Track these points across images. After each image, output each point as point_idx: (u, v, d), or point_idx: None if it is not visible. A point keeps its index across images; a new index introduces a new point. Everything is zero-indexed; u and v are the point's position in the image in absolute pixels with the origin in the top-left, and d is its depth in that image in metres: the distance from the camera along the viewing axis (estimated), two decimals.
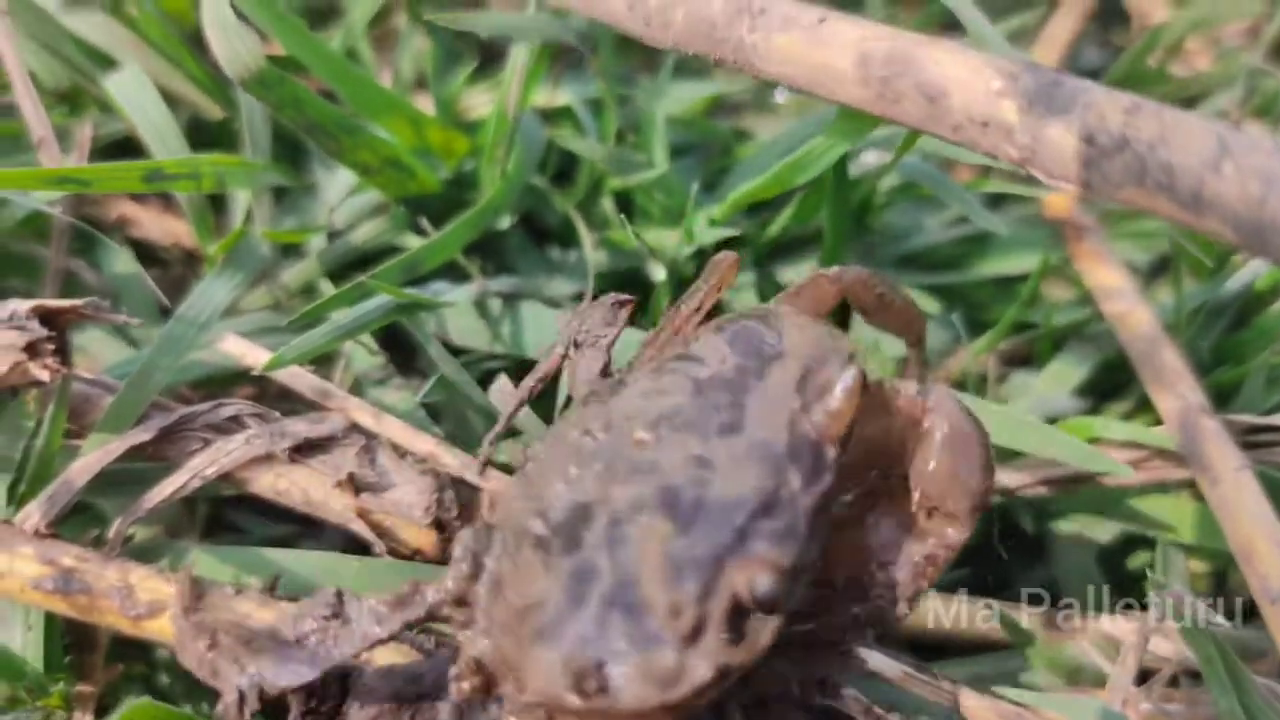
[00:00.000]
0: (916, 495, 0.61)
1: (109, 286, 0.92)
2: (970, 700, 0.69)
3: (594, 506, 0.53)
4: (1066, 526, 0.86)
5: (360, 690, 0.64)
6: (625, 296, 0.73)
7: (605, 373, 0.69)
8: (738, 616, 0.50)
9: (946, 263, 1.00)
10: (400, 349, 0.87)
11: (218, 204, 0.94)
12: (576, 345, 0.71)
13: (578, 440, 0.58)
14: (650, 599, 0.49)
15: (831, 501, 0.57)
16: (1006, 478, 0.83)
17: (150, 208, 1.00)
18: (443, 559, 0.74)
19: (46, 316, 0.66)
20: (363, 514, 0.72)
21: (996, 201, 1.06)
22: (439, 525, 0.73)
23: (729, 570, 0.50)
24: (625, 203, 0.96)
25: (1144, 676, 0.80)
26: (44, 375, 0.65)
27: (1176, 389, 0.80)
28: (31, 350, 0.65)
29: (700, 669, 0.48)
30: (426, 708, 0.64)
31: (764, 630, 0.51)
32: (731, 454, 0.54)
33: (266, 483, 0.72)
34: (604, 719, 0.49)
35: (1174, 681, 0.78)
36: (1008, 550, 0.90)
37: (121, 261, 0.93)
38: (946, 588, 0.84)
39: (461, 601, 0.54)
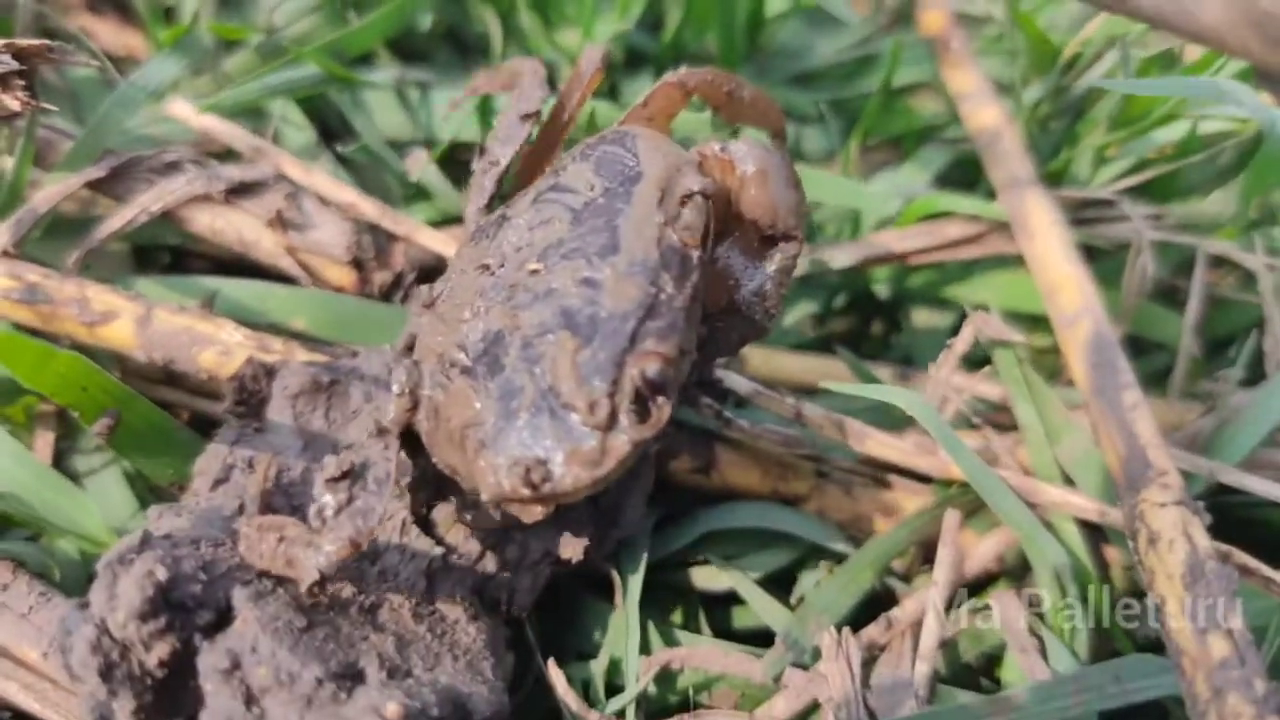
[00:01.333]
0: (753, 225, 0.73)
1: (70, 87, 1.01)
2: (808, 409, 0.82)
3: (505, 333, 0.62)
4: (919, 298, 0.98)
5: (285, 375, 0.75)
6: (536, 100, 0.79)
7: (490, 205, 0.78)
8: (641, 401, 0.60)
9: (837, 81, 1.11)
10: (328, 140, 0.97)
11: (169, 14, 1.04)
12: (481, 151, 0.79)
13: (477, 277, 0.66)
14: (570, 401, 0.58)
15: (700, 291, 0.68)
16: (861, 252, 0.94)
17: (107, 20, 1.09)
18: (362, 294, 0.85)
19: (17, 55, 0.74)
20: (291, 251, 0.82)
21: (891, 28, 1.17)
22: (358, 264, 0.84)
23: (628, 367, 0.60)
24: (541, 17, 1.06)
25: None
26: (15, 105, 0.74)
27: (1010, 167, 0.92)
28: (3, 83, 0.74)
29: (619, 448, 0.58)
30: (340, 389, 0.75)
31: (664, 407, 0.60)
32: (614, 272, 0.63)
33: (204, 222, 0.83)
34: (551, 502, 0.60)
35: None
36: (870, 328, 1.02)
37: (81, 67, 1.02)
38: (817, 348, 0.97)
39: (407, 429, 0.64)
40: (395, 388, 0.63)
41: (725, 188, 0.72)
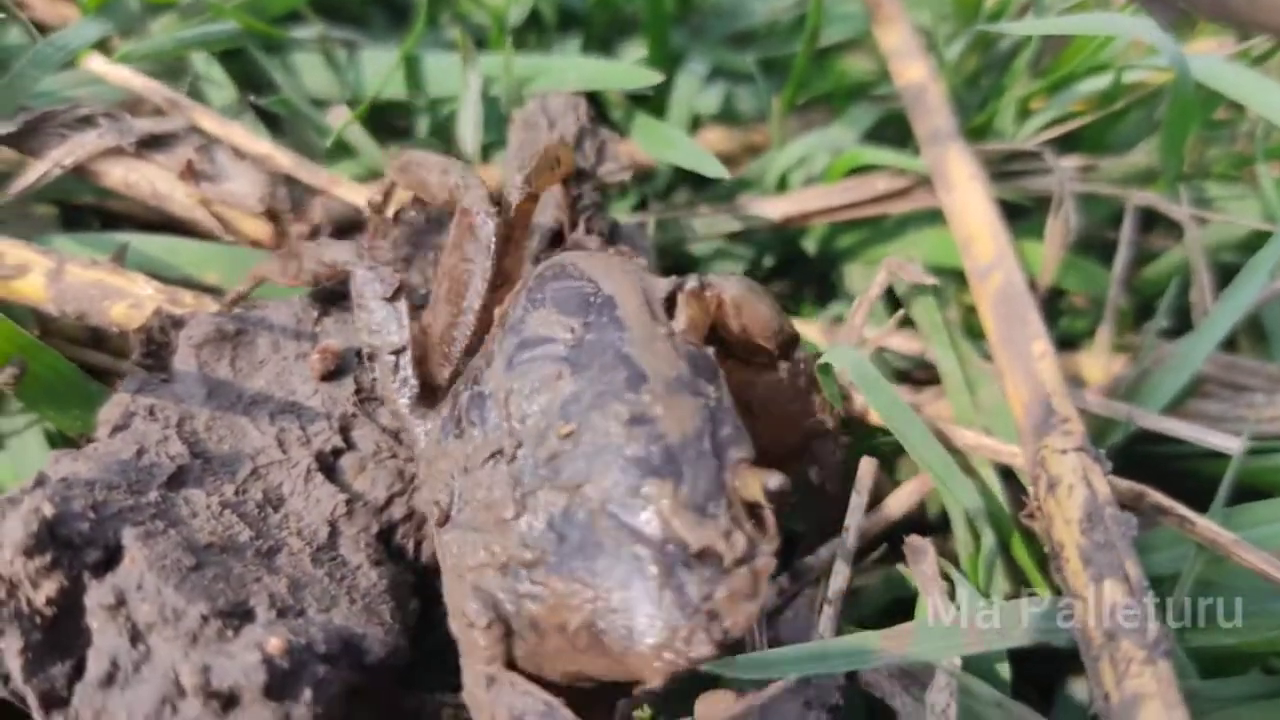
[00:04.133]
0: (743, 347, 0.69)
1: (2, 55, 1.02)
2: None
3: (573, 509, 0.55)
4: (850, 257, 0.97)
5: (190, 325, 0.75)
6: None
7: (425, 394, 0.71)
8: (755, 514, 0.54)
9: (774, 41, 1.11)
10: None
11: None
12: (370, 358, 0.73)
13: (494, 469, 0.60)
14: (700, 544, 0.52)
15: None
16: (788, 206, 0.94)
17: None
18: (278, 248, 0.85)
19: None
20: (205, 204, 0.82)
21: None
22: (273, 217, 0.83)
23: (729, 485, 0.54)
24: None
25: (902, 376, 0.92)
26: None
27: (933, 121, 0.91)
28: None
29: (765, 567, 0.53)
30: (247, 338, 0.75)
31: (772, 513, 0.55)
32: (657, 399, 0.57)
33: (118, 176, 0.83)
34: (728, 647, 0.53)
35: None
36: (804, 292, 1.02)
37: (13, 34, 1.02)
38: None
39: (506, 660, 0.56)
40: (481, 620, 0.56)
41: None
